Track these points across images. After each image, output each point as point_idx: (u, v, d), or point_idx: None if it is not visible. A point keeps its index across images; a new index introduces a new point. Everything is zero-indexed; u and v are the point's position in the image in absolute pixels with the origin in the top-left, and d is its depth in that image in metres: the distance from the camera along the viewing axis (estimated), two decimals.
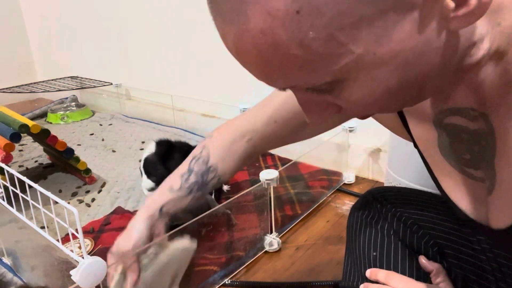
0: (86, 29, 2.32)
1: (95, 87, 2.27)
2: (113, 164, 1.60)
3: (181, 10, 1.80)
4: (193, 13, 1.75)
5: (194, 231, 0.85)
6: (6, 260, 0.97)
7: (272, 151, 1.60)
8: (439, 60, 0.33)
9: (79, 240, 0.59)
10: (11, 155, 1.23)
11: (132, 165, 1.58)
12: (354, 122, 1.31)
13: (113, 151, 1.75)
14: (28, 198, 0.73)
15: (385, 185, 1.21)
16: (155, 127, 2.00)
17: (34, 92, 2.31)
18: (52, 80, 2.42)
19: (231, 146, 0.71)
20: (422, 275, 0.57)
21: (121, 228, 1.11)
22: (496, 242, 0.52)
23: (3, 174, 0.85)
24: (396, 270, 0.58)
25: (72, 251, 0.65)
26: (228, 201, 0.95)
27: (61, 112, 2.25)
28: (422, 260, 0.57)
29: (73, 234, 0.62)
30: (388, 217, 0.62)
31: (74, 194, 1.36)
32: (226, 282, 0.92)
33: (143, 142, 1.82)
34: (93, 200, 1.32)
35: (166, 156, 1.33)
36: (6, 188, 0.82)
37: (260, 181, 0.97)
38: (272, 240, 1.03)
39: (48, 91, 2.24)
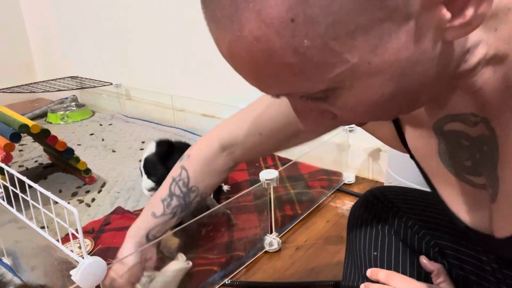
0: (86, 29, 2.32)
1: (95, 87, 2.27)
2: (113, 164, 1.60)
3: (181, 10, 1.80)
4: (193, 13, 1.75)
5: (194, 231, 0.85)
6: (6, 260, 0.97)
7: None
8: (435, 69, 0.33)
9: (79, 240, 0.59)
10: (11, 155, 1.23)
11: (132, 165, 1.58)
12: None
13: (113, 151, 1.75)
14: (28, 198, 0.73)
15: (385, 185, 1.21)
16: (155, 127, 2.00)
17: (34, 92, 2.31)
18: (52, 80, 2.42)
19: (211, 164, 0.70)
20: (423, 275, 0.57)
21: (121, 228, 1.12)
22: (496, 252, 0.51)
23: (3, 174, 0.85)
24: (396, 270, 0.58)
25: (72, 251, 0.65)
26: (228, 201, 0.95)
27: (61, 112, 2.25)
28: (423, 260, 0.57)
29: (73, 234, 0.61)
30: (389, 217, 0.62)
31: (74, 194, 1.36)
32: (226, 282, 0.92)
33: (143, 142, 1.82)
34: (93, 200, 1.32)
35: (166, 156, 1.33)
36: (6, 188, 0.82)
37: (260, 181, 0.97)
38: (272, 240, 1.03)
39: (48, 91, 2.24)
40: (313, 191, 1.29)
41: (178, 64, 1.93)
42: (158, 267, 0.73)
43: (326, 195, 1.30)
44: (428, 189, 0.69)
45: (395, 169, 1.13)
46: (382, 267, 0.59)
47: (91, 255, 0.60)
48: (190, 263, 0.76)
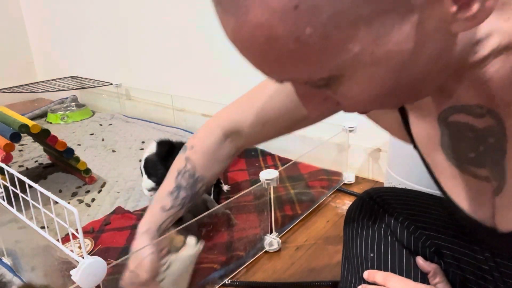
0: (86, 29, 2.32)
1: (95, 87, 2.27)
2: (113, 164, 1.60)
3: (181, 10, 1.80)
4: (193, 13, 1.75)
5: (194, 231, 0.85)
6: (6, 260, 0.97)
7: (272, 151, 1.60)
8: (439, 61, 0.33)
9: (79, 240, 0.59)
10: (11, 155, 1.23)
11: (132, 165, 1.58)
12: (354, 122, 1.32)
13: (113, 151, 1.75)
14: (28, 198, 0.73)
15: (385, 185, 1.21)
16: (155, 127, 2.00)
17: (34, 92, 2.31)
18: (52, 80, 2.42)
19: (215, 153, 0.71)
20: (419, 276, 0.57)
21: (121, 228, 1.12)
22: (497, 245, 0.51)
23: (3, 174, 0.85)
24: (393, 271, 0.58)
25: (72, 251, 0.65)
26: (228, 201, 0.95)
27: (61, 112, 2.25)
28: (420, 261, 0.57)
29: (73, 234, 0.62)
30: (385, 217, 0.62)
31: (74, 194, 1.36)
32: (226, 282, 0.92)
33: (143, 142, 1.82)
34: (93, 200, 1.32)
35: (167, 157, 1.32)
36: (6, 188, 0.82)
37: (260, 181, 0.97)
38: (272, 240, 1.03)
39: (48, 91, 2.24)
40: (313, 191, 1.29)
41: (178, 64, 1.93)
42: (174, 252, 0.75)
43: (326, 195, 1.30)
44: (427, 189, 0.69)
45: (395, 169, 1.13)
46: (379, 268, 0.58)
47: (91, 255, 0.60)
48: (202, 244, 0.78)
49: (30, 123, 1.27)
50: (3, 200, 0.86)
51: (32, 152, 1.74)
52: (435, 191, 0.69)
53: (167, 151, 1.31)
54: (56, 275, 0.81)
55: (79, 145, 1.83)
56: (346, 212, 0.70)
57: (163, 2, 1.85)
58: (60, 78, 2.44)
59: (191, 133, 1.86)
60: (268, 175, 0.96)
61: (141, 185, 1.37)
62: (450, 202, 0.49)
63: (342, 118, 1.32)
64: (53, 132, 1.33)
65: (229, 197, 1.24)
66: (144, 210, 1.23)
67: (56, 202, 0.64)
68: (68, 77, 2.46)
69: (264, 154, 1.60)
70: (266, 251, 1.03)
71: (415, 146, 0.52)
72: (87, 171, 1.42)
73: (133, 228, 1.12)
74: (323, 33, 0.28)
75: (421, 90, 0.36)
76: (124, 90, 2.25)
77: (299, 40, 0.29)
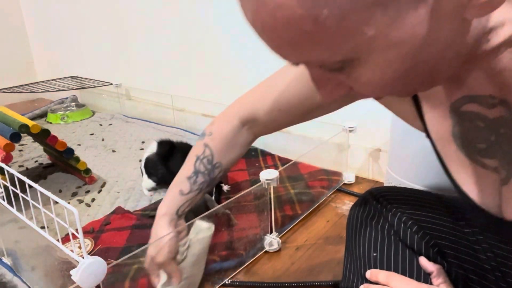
0: (86, 29, 2.32)
1: (95, 87, 2.27)
2: (113, 164, 1.60)
3: (181, 10, 1.80)
4: (193, 13, 1.75)
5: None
6: (6, 260, 0.97)
7: (272, 151, 1.60)
8: (452, 46, 0.33)
9: (79, 240, 0.59)
10: (11, 155, 1.23)
11: (132, 165, 1.58)
12: (354, 122, 1.32)
13: (113, 151, 1.75)
14: (28, 198, 0.73)
15: (385, 185, 1.21)
16: (155, 127, 2.00)
17: (34, 92, 2.31)
18: (52, 80, 2.42)
19: (233, 140, 0.73)
20: (422, 276, 0.57)
21: (121, 228, 1.12)
22: (503, 234, 0.51)
23: (3, 174, 0.85)
24: (396, 270, 0.57)
25: (72, 251, 0.65)
26: (228, 201, 0.95)
27: (61, 112, 2.25)
28: (423, 261, 0.57)
29: (73, 234, 0.61)
30: (388, 217, 0.62)
31: (74, 194, 1.36)
32: (226, 282, 0.92)
33: (143, 142, 1.82)
34: (93, 200, 1.32)
35: (168, 157, 1.32)
36: (6, 188, 0.82)
37: (260, 181, 0.97)
38: (272, 240, 1.03)
39: (48, 91, 2.24)
40: (313, 191, 1.29)
41: (178, 64, 1.93)
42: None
43: (326, 195, 1.30)
44: (427, 189, 0.69)
45: (395, 169, 1.13)
46: (381, 268, 0.58)
47: (91, 255, 0.60)
48: (213, 226, 0.81)
49: (30, 123, 1.27)
50: (3, 200, 0.86)
51: (32, 152, 1.74)
52: (435, 191, 0.69)
53: (168, 151, 1.31)
54: (56, 275, 0.81)
55: (79, 145, 1.83)
56: (349, 211, 0.70)
57: (163, 2, 1.85)
58: (60, 78, 2.44)
59: (191, 133, 1.86)
60: (268, 175, 0.96)
61: (141, 185, 1.37)
62: (459, 191, 0.49)
63: (342, 118, 1.33)
64: (53, 132, 1.33)
65: (229, 197, 1.24)
66: (144, 210, 1.24)
67: (56, 202, 0.64)
68: (68, 77, 2.46)
69: (264, 154, 1.60)
70: (266, 251, 1.03)
71: (428, 136, 0.52)
72: (87, 171, 1.42)
73: (133, 228, 1.12)
74: (339, 15, 0.29)
75: (434, 77, 0.36)
76: (124, 90, 2.25)
77: (317, 21, 0.29)
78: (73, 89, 2.31)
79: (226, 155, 0.74)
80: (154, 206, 1.24)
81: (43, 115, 2.30)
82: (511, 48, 0.35)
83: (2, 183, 0.86)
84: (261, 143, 1.62)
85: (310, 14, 0.29)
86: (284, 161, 1.53)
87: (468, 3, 0.30)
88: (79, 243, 0.60)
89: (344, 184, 1.38)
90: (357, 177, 1.41)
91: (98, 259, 0.60)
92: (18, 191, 0.77)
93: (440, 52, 0.33)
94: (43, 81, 2.41)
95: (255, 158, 1.57)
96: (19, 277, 0.92)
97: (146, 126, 2.03)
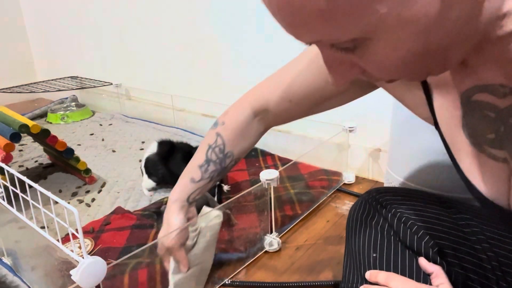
0: (86, 29, 2.32)
1: (95, 87, 2.27)
2: (113, 164, 1.60)
3: (181, 10, 1.80)
4: (193, 13, 1.75)
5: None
6: (6, 260, 0.97)
7: (272, 151, 1.60)
8: (464, 28, 0.33)
9: (79, 240, 0.59)
10: (11, 155, 1.23)
11: (132, 165, 1.58)
12: (354, 122, 1.32)
13: (113, 151, 1.75)
14: (28, 198, 0.73)
15: (385, 185, 1.21)
16: (155, 127, 2.00)
17: (34, 92, 2.31)
18: (52, 80, 2.42)
19: (245, 130, 0.74)
20: (422, 277, 0.57)
21: (121, 228, 1.12)
22: (510, 227, 0.51)
23: (3, 174, 0.85)
24: (396, 271, 0.57)
25: (72, 251, 0.65)
26: (228, 201, 0.95)
27: (61, 112, 2.25)
28: (422, 262, 0.57)
29: (73, 234, 0.61)
30: (388, 217, 0.62)
31: (74, 194, 1.36)
32: (226, 282, 0.92)
33: (143, 142, 1.82)
34: (93, 200, 1.32)
35: (168, 157, 1.33)
36: (6, 188, 0.82)
37: (260, 181, 0.97)
38: (272, 240, 1.03)
39: (48, 91, 2.24)
40: (313, 191, 1.29)
41: (178, 64, 1.93)
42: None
43: (326, 195, 1.30)
44: (427, 189, 0.69)
45: (395, 169, 1.13)
46: (381, 268, 0.58)
47: (91, 255, 0.60)
48: (222, 214, 0.84)
49: (30, 123, 1.27)
50: (3, 200, 0.86)
51: (32, 152, 1.74)
52: (435, 191, 0.69)
53: (168, 151, 1.31)
54: (56, 275, 0.81)
55: (79, 145, 1.83)
56: (349, 211, 0.70)
57: (163, 2, 1.85)
58: (60, 78, 2.44)
59: (191, 133, 1.86)
60: (268, 175, 0.97)
61: (141, 185, 1.37)
62: (465, 181, 0.48)
63: (342, 118, 1.33)
64: (53, 132, 1.33)
65: (229, 197, 1.24)
66: (144, 210, 1.24)
67: (56, 202, 0.64)
68: (68, 77, 2.46)
69: (264, 154, 1.60)
70: (266, 251, 1.03)
71: (436, 126, 0.52)
72: (87, 171, 1.42)
73: (133, 228, 1.12)
74: None
75: (446, 59, 0.36)
76: (124, 90, 2.25)
77: None
78: (73, 89, 2.31)
79: (237, 145, 0.75)
80: (154, 206, 1.24)
81: (43, 115, 2.30)
82: None
83: (2, 183, 0.86)
84: (261, 143, 1.61)
85: None
86: (284, 161, 1.53)
87: None
88: (79, 243, 0.60)
89: (344, 184, 1.38)
90: (357, 177, 1.41)
91: (98, 259, 0.60)
92: (18, 191, 0.77)
93: (451, 32, 0.33)
94: (43, 81, 2.41)
95: (255, 158, 1.57)
96: (19, 277, 0.92)
97: (146, 126, 2.03)
